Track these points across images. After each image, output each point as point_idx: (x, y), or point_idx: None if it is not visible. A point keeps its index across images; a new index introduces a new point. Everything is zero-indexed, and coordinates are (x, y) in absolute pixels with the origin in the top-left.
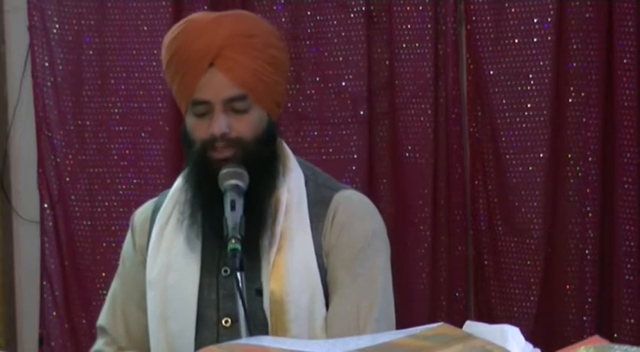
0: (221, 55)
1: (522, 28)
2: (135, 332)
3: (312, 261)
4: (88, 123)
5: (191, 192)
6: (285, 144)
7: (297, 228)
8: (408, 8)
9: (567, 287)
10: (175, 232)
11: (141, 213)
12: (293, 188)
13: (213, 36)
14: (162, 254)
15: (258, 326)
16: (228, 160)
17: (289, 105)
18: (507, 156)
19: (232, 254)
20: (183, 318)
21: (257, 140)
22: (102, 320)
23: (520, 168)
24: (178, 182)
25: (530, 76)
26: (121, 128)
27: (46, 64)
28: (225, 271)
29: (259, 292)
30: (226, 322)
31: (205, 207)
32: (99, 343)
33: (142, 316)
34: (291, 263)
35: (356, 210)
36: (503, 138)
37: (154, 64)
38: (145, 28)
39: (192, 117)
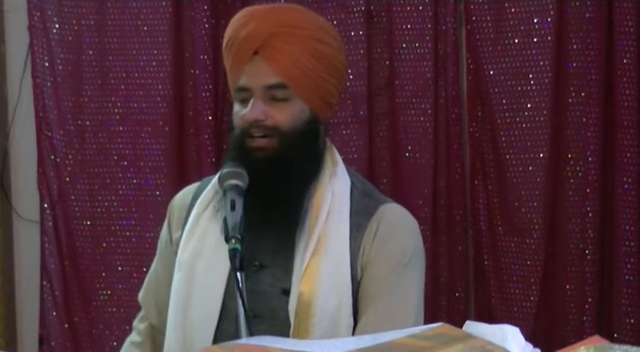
0: (266, 44)
1: (522, 28)
2: (165, 311)
3: (346, 269)
4: (88, 123)
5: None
6: (335, 151)
7: (336, 234)
8: (408, 8)
9: (567, 287)
10: (211, 220)
11: (180, 199)
12: (337, 193)
13: (260, 25)
14: (196, 239)
15: (280, 325)
16: (263, 149)
17: None
18: (507, 156)
19: (232, 254)
20: (207, 307)
21: (296, 131)
22: (140, 295)
23: (520, 168)
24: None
25: (530, 76)
26: (121, 128)
27: (46, 64)
28: (255, 265)
29: (286, 292)
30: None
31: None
32: (137, 318)
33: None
34: (325, 267)
35: (399, 225)
36: (503, 138)
37: (154, 64)
38: (145, 28)
39: (237, 103)
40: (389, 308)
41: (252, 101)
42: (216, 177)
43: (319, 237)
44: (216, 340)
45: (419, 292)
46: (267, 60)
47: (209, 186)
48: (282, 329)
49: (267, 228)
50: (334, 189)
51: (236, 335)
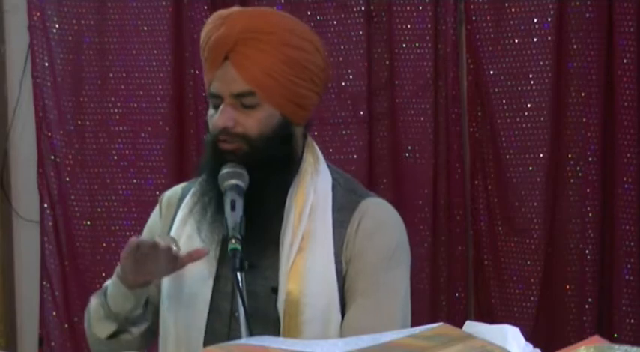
0: (234, 50)
1: (522, 28)
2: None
3: (332, 265)
4: (88, 123)
5: (207, 183)
6: (317, 148)
7: (320, 230)
8: (408, 8)
9: (567, 287)
10: (198, 222)
11: (169, 196)
12: (319, 190)
13: (229, 30)
14: (184, 242)
15: (270, 324)
16: (234, 152)
17: None
18: (507, 156)
19: (232, 254)
20: (196, 306)
21: (264, 137)
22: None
23: (520, 168)
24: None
25: (530, 76)
26: (121, 128)
27: (46, 64)
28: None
29: (275, 290)
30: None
31: (219, 199)
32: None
33: (153, 288)
34: (311, 265)
35: (383, 219)
36: (503, 138)
37: (154, 64)
38: (145, 28)
39: (211, 108)
40: (374, 301)
41: (221, 107)
42: (200, 180)
43: (303, 234)
44: (207, 341)
45: (405, 285)
46: (236, 66)
47: (192, 190)
48: (274, 328)
49: (252, 228)
50: (316, 187)
51: (229, 336)
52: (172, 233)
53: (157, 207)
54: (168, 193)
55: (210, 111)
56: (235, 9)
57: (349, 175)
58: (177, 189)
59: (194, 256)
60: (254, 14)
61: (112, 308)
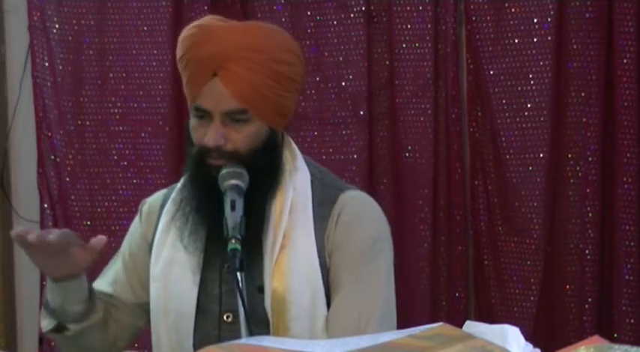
0: (224, 67)
1: (522, 28)
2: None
3: (315, 260)
4: (88, 123)
5: (189, 191)
6: (293, 144)
7: (301, 227)
8: (408, 8)
9: (567, 287)
10: (181, 228)
11: (150, 204)
12: (299, 187)
13: (219, 46)
14: (168, 248)
15: (259, 323)
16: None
17: None
18: (507, 156)
19: (232, 254)
20: (184, 311)
21: (253, 152)
22: (107, 284)
23: (520, 168)
24: (185, 178)
25: (530, 76)
26: (121, 128)
27: (46, 64)
28: (228, 267)
29: (261, 289)
30: (227, 317)
31: (202, 207)
32: None
33: (127, 291)
34: (294, 262)
35: (362, 211)
36: (503, 138)
37: (154, 64)
38: (145, 28)
39: (194, 118)
40: (356, 293)
41: (211, 125)
42: (180, 184)
43: (285, 232)
44: (198, 343)
45: (387, 275)
46: (226, 84)
47: (173, 195)
48: (262, 327)
49: None
50: (295, 184)
51: (219, 337)
52: (156, 240)
53: (138, 215)
54: (149, 200)
55: (193, 121)
56: (216, 21)
57: (326, 169)
58: (159, 195)
59: (96, 245)
60: (243, 31)
61: (50, 303)
